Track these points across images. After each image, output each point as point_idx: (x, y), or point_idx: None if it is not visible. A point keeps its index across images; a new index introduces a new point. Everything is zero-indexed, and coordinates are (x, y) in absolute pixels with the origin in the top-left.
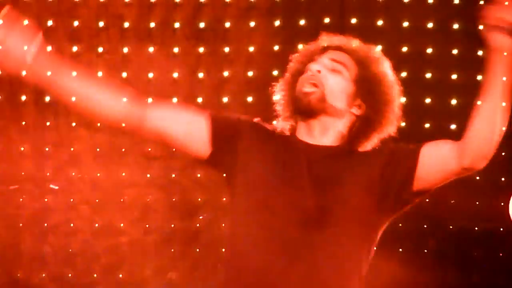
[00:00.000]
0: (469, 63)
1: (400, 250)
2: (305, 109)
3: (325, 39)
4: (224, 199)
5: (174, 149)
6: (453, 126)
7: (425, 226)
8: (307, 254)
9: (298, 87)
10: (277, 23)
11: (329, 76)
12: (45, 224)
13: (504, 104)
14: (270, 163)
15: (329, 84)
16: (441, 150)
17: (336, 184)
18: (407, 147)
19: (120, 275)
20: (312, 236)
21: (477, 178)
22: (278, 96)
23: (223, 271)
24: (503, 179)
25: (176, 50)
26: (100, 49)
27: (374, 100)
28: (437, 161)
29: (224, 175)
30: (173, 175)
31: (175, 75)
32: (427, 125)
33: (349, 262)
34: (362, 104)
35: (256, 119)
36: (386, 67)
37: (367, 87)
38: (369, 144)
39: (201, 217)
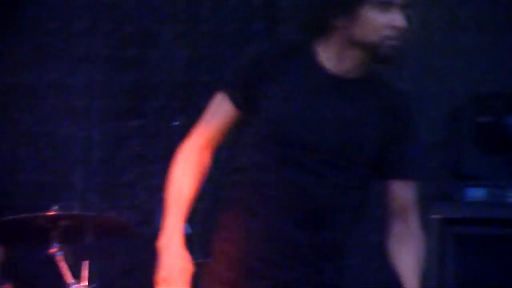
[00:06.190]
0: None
1: None
2: (379, 59)
3: None
4: None
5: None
6: None
7: None
8: (317, 187)
9: (390, 32)
10: None
11: None
12: None
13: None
14: (293, 93)
15: None
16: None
17: (359, 122)
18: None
19: None
20: (325, 169)
21: None
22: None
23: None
24: None
25: None
26: None
27: None
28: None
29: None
30: None
31: None
32: None
33: (357, 205)
34: None
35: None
36: None
37: None
38: None
39: None
